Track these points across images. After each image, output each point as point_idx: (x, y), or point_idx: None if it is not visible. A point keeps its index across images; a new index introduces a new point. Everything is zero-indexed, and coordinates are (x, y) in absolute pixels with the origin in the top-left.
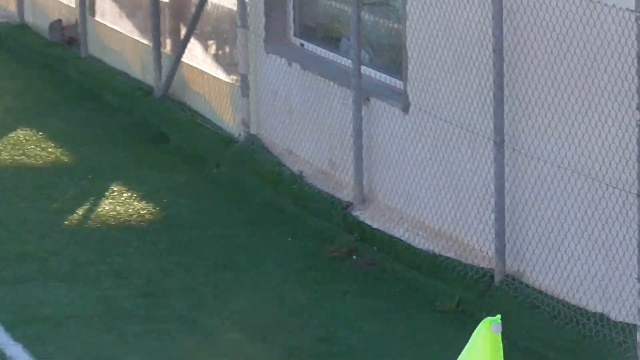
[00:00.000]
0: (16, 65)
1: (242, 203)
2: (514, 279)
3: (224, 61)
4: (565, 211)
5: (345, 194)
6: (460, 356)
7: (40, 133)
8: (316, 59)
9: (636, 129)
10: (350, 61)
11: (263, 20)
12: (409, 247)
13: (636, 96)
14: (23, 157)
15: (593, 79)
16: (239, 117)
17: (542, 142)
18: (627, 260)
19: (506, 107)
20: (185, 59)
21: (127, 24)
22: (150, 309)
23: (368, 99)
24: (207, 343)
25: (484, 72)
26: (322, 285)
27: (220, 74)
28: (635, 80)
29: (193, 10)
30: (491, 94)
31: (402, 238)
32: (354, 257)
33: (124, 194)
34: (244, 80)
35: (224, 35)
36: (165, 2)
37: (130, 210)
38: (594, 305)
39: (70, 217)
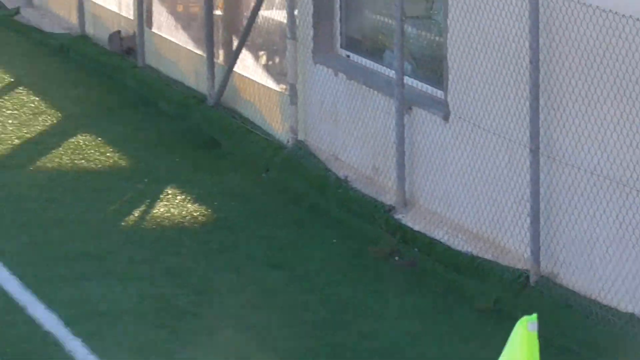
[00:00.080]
0: (77, 74)
1: (290, 206)
2: (548, 280)
3: (274, 71)
4: (597, 215)
5: (388, 198)
6: (501, 355)
7: (99, 138)
8: (361, 70)
9: None
10: (393, 72)
11: (311, 32)
12: (448, 248)
13: None
14: (83, 161)
15: (625, 89)
16: (288, 124)
17: (575, 150)
18: None
19: (542, 116)
20: (237, 68)
21: (182, 35)
22: (202, 306)
23: (410, 108)
24: (255, 339)
25: (520, 82)
26: (365, 284)
27: (270, 83)
28: None
29: (245, 22)
30: (527, 103)
31: (442, 240)
32: (396, 258)
33: (178, 197)
34: (292, 89)
35: (274, 47)
36: (219, 15)
37: (183, 212)
38: (625, 305)
39: (126, 218)
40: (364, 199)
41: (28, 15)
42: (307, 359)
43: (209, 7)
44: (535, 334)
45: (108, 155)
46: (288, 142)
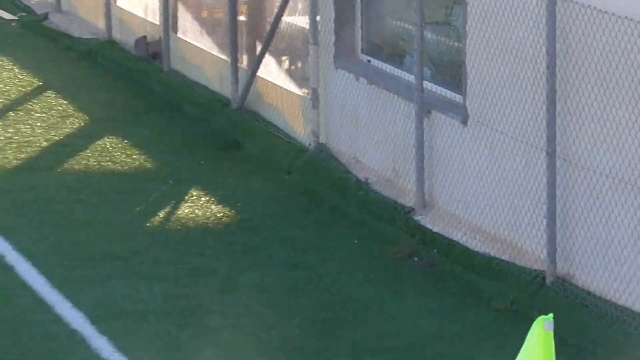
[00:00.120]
0: (104, 78)
1: (312, 207)
2: (564, 281)
3: (296, 76)
4: (612, 218)
5: (408, 200)
6: (518, 354)
7: (126, 141)
8: (382, 74)
9: None
10: (413, 76)
11: (333, 38)
12: (466, 250)
13: None
14: (109, 163)
15: None
16: (310, 128)
17: (591, 153)
18: None
19: (558, 120)
20: (260, 73)
21: (206, 41)
22: (226, 305)
23: (430, 112)
24: (278, 338)
25: (537, 87)
26: (385, 284)
27: (293, 88)
28: None
29: (268, 28)
30: (544, 107)
31: (460, 241)
32: (415, 258)
33: (202, 198)
34: (314, 93)
35: (296, 52)
36: (243, 21)
37: (207, 213)
38: None
39: (152, 220)
40: (384, 201)
41: (57, 21)
42: (327, 357)
43: (233, 13)
44: (551, 333)
45: (134, 158)
46: (310, 145)
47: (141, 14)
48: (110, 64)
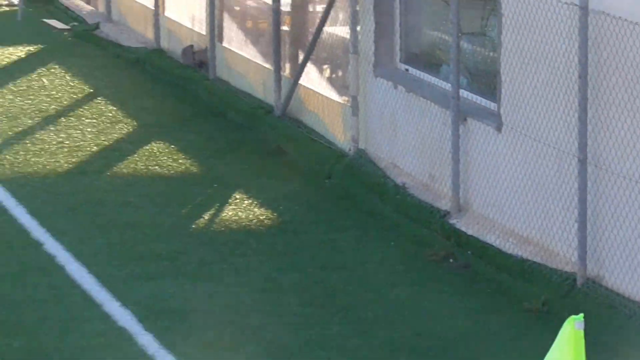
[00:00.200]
0: (152, 86)
1: (351, 211)
2: (594, 282)
3: (337, 84)
4: None
5: (443, 204)
6: (549, 352)
7: (172, 146)
8: (419, 83)
9: None
10: (449, 85)
11: (372, 47)
12: (499, 252)
13: None
14: (157, 167)
15: None
16: (349, 134)
17: (621, 159)
18: None
19: (589, 127)
20: (302, 81)
21: (251, 50)
22: (267, 304)
23: (465, 119)
24: (317, 335)
25: (569, 95)
26: (421, 285)
27: (333, 95)
28: None
29: (310, 38)
30: (576, 115)
31: (494, 244)
32: (450, 260)
33: (245, 201)
34: (354, 100)
35: (337, 61)
36: (286, 31)
37: (250, 216)
38: None
39: (197, 221)
40: (420, 205)
41: (107, 30)
42: (365, 355)
43: (277, 23)
44: (581, 332)
45: (180, 162)
46: (349, 150)
47: (188, 24)
48: (158, 72)
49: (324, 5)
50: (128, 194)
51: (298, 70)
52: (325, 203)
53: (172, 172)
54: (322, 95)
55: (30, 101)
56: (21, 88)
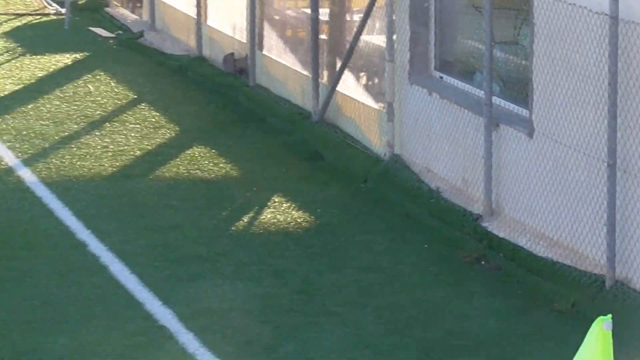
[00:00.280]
0: (194, 92)
1: (386, 214)
2: (622, 284)
3: (373, 90)
4: None
5: (476, 208)
6: (578, 352)
7: (213, 150)
8: (453, 90)
9: None
10: (482, 92)
11: (408, 55)
12: (530, 254)
13: None
14: (198, 171)
15: None
16: (385, 139)
17: None
18: None
19: (619, 134)
20: (339, 88)
21: (290, 58)
22: (304, 304)
23: (498, 125)
24: (352, 335)
25: (599, 102)
26: (453, 286)
27: (370, 102)
28: None
29: (348, 46)
30: (606, 122)
31: (525, 246)
32: (482, 262)
33: (284, 204)
34: (389, 107)
35: (373, 68)
36: (324, 39)
37: (288, 219)
38: None
39: (236, 224)
40: (453, 208)
41: (151, 38)
42: (398, 354)
43: (315, 32)
44: (609, 333)
45: (221, 166)
46: (385, 155)
47: (230, 33)
48: (199, 79)
49: (361, 15)
50: (170, 197)
51: (335, 78)
52: (361, 206)
53: (212, 175)
54: (358, 102)
55: (76, 107)
56: (67, 94)
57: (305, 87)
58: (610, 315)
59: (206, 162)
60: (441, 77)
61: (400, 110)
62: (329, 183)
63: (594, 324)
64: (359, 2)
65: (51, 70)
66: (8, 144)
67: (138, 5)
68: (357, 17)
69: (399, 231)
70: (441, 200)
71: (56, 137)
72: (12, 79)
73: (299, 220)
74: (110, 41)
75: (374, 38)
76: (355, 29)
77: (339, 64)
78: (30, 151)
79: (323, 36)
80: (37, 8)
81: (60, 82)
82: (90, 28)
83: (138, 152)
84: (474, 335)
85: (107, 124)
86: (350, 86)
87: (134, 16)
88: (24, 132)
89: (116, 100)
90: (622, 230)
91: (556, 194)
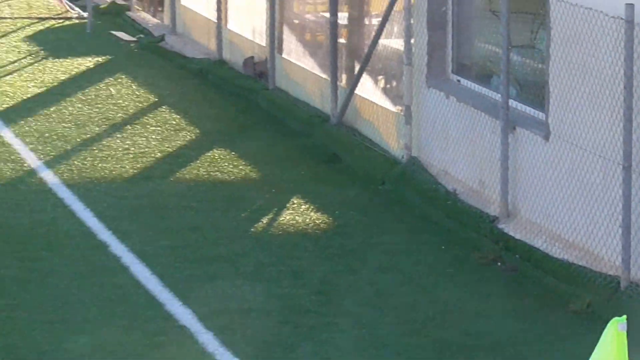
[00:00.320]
0: (214, 95)
1: (403, 215)
2: (637, 286)
3: (391, 94)
4: None
5: (492, 209)
6: (593, 352)
7: (233, 153)
8: (470, 93)
9: None
10: (499, 95)
11: (425, 59)
12: (546, 256)
13: None
14: (217, 173)
15: None
16: (403, 142)
17: None
18: None
19: (634, 137)
20: (358, 91)
21: (309, 61)
22: (322, 305)
23: (514, 128)
24: (369, 335)
25: (615, 106)
26: (470, 287)
27: (388, 105)
28: None
29: (366, 50)
30: (621, 125)
31: (541, 248)
32: (499, 264)
33: (302, 206)
34: (407, 110)
35: (391, 72)
36: (343, 43)
37: (307, 220)
38: None
39: (256, 225)
40: (470, 210)
41: (172, 42)
42: (415, 354)
43: (334, 36)
44: (624, 333)
45: (240, 168)
46: (402, 157)
47: (249, 36)
48: (220, 82)
49: (380, 19)
50: (190, 198)
51: (354, 81)
52: (379, 208)
53: (232, 177)
54: (376, 105)
55: (98, 109)
56: (89, 97)
57: (324, 90)
58: (625, 316)
59: (226, 164)
60: (458, 81)
61: (417, 113)
62: (347, 185)
63: (608, 325)
64: (377, 7)
65: (73, 73)
66: (31, 146)
67: (159, 9)
68: (375, 21)
69: (416, 233)
70: (458, 202)
71: (78, 139)
72: (35, 82)
73: (317, 221)
74: (132, 45)
75: (392, 42)
76: (373, 33)
77: (357, 68)
78: (52, 153)
79: (342, 40)
80: (59, 12)
81: (82, 85)
82: (112, 32)
83: (159, 154)
84: (490, 336)
85: (129, 127)
86: (369, 89)
87: (155, 20)
88: (47, 135)
89: (137, 103)
90: (638, 232)
91: (572, 196)
